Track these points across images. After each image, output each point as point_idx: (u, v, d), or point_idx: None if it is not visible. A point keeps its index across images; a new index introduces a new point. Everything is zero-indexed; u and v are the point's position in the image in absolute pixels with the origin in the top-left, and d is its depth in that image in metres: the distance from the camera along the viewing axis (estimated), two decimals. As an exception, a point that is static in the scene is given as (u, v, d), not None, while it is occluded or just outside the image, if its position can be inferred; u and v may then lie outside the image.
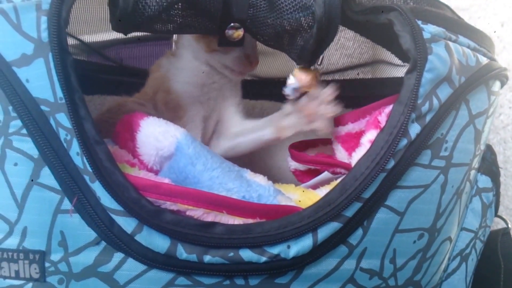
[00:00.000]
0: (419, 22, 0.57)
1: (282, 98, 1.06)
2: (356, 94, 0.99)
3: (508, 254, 0.76)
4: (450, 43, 0.58)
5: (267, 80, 1.11)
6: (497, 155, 0.75)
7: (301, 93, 0.70)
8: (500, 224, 0.79)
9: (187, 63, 0.78)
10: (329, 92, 0.69)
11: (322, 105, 0.70)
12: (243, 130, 0.81)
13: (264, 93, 1.08)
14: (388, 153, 0.55)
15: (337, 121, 0.74)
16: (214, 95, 0.80)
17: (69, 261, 0.55)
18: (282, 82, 1.07)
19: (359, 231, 0.56)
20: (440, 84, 0.57)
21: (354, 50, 1.02)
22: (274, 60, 1.07)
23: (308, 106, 0.71)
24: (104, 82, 1.01)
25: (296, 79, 0.68)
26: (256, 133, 0.79)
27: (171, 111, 0.75)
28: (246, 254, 0.54)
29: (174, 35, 0.83)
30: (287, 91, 0.69)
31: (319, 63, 0.69)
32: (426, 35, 0.56)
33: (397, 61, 0.90)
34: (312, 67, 0.68)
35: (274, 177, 0.68)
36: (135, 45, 1.09)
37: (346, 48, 1.08)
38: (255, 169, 0.66)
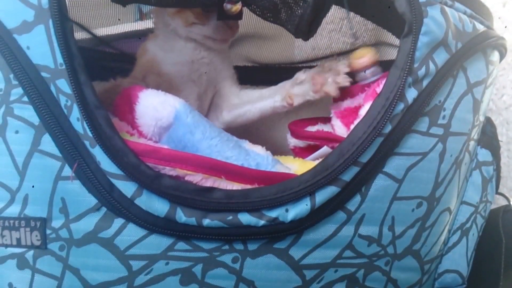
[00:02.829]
0: (415, -14, 0.57)
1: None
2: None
3: (509, 231, 0.76)
4: (446, 8, 0.58)
5: (268, 66, 1.11)
6: (500, 136, 0.75)
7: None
8: (502, 202, 0.79)
9: (173, 43, 0.78)
10: (343, 66, 0.71)
11: (334, 75, 0.71)
12: (250, 98, 0.81)
13: (265, 79, 1.07)
14: (385, 117, 0.55)
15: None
16: (206, 69, 0.80)
17: (70, 228, 0.55)
18: (283, 68, 1.08)
19: (357, 197, 0.57)
20: (436, 48, 0.57)
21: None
22: (274, 45, 1.07)
23: (320, 75, 0.72)
24: (105, 69, 1.01)
25: (365, 63, 0.71)
26: (266, 100, 0.79)
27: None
28: (245, 218, 0.54)
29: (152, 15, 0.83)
30: (368, 77, 0.72)
31: (354, 39, 0.70)
32: (421, -2, 0.57)
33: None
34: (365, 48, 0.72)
35: (273, 153, 0.68)
36: (139, 40, 1.09)
37: (349, 36, 1.08)
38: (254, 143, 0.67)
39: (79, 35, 0.97)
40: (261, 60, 1.08)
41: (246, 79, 0.95)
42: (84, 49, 1.02)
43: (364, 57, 0.71)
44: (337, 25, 1.01)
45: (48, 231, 0.56)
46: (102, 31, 1.02)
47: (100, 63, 1.02)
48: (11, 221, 0.56)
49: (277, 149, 0.88)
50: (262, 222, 0.54)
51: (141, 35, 1.01)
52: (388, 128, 0.56)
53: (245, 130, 0.81)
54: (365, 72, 0.72)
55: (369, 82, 0.71)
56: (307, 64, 1.06)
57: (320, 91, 0.72)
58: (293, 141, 0.79)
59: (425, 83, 0.57)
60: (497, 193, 0.76)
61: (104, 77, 0.97)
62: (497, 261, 0.75)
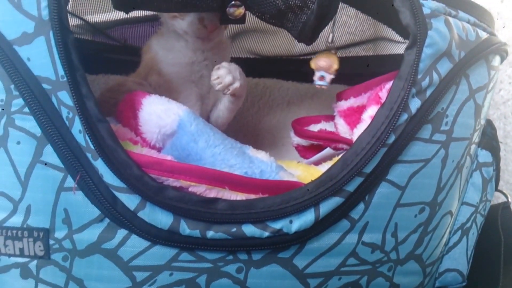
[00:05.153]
0: (419, -2, 0.57)
1: (285, 76, 1.07)
2: (358, 71, 0.98)
3: (508, 228, 0.77)
4: (450, 18, 0.58)
5: (269, 58, 1.10)
6: (497, 130, 0.75)
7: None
8: (501, 199, 0.79)
9: (174, 42, 0.77)
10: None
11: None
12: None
13: (266, 70, 1.08)
14: (388, 128, 0.55)
15: (340, 95, 0.75)
16: (207, 72, 0.79)
17: (73, 238, 0.55)
18: (285, 60, 1.07)
19: (361, 206, 0.57)
20: (440, 59, 0.57)
21: (356, 28, 1.01)
22: (276, 38, 1.07)
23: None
24: (108, 62, 1.00)
25: (317, 67, 0.69)
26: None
27: (166, 93, 0.73)
28: (249, 229, 0.54)
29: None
30: (317, 83, 0.70)
31: (330, 41, 0.69)
32: (426, 11, 0.56)
33: (398, 38, 0.90)
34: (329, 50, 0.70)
35: (277, 155, 0.68)
36: (140, 24, 1.08)
37: (348, 26, 1.07)
38: (258, 147, 0.67)
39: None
40: (262, 53, 1.08)
41: (248, 71, 0.95)
42: (87, 41, 1.01)
43: (322, 60, 0.70)
44: (336, 21, 1.00)
45: (51, 242, 0.56)
46: (108, 16, 1.00)
47: (103, 56, 1.01)
48: (14, 231, 0.56)
49: (280, 151, 0.88)
50: (266, 234, 0.54)
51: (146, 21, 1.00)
52: (391, 139, 0.56)
53: (249, 133, 0.81)
54: (315, 72, 0.71)
55: (320, 85, 0.71)
56: (307, 56, 1.06)
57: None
58: (296, 140, 0.79)
59: (428, 93, 0.57)
60: (496, 190, 0.76)
61: (108, 70, 0.96)
62: (496, 258, 0.75)
